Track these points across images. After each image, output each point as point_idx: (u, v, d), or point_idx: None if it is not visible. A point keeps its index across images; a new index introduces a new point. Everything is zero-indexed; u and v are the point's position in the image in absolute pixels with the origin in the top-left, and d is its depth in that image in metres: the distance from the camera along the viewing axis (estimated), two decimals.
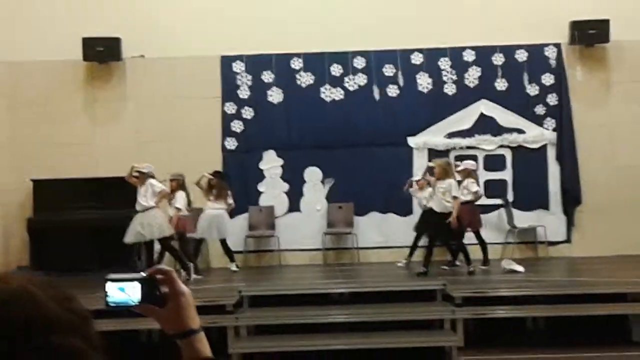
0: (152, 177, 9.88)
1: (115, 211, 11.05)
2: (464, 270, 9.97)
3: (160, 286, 1.45)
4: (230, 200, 10.95)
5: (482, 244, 10.55)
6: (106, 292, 1.45)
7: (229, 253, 11.10)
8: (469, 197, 10.21)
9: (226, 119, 12.28)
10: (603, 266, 10.70)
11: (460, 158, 12.20)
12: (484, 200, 12.09)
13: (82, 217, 11.28)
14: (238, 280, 9.93)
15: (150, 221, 9.67)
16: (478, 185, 10.52)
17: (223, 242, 11.05)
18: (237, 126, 12.25)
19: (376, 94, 12.24)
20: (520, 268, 9.87)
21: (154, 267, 1.48)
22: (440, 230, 9.82)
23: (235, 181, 11.74)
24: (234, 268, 11.01)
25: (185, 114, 12.02)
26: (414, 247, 11.07)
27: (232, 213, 11.17)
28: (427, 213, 10.42)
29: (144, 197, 9.75)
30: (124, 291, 1.45)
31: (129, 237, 9.83)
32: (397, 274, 10.22)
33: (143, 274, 1.46)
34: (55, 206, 11.45)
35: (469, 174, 10.41)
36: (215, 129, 12.22)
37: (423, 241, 10.88)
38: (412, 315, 8.69)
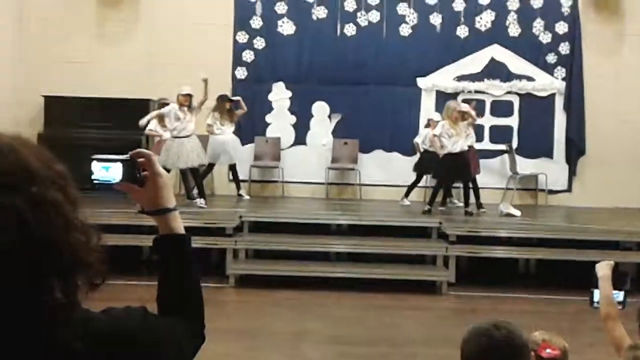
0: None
1: (124, 131, 11.23)
2: (460, 210, 10.15)
3: (140, 167, 1.57)
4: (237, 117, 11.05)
5: (477, 190, 10.73)
6: (92, 170, 1.59)
7: (238, 180, 11.28)
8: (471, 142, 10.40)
9: (237, 47, 12.32)
10: (600, 216, 10.84)
11: (468, 102, 12.29)
12: (489, 145, 12.27)
13: (91, 136, 11.44)
14: (240, 207, 10.12)
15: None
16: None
17: (233, 168, 11.22)
18: (247, 56, 12.30)
19: (387, 32, 12.24)
20: (517, 212, 10.03)
21: (136, 150, 1.59)
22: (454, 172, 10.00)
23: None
24: (246, 195, 11.22)
25: (197, 40, 12.02)
26: (412, 187, 11.20)
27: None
28: (427, 154, 10.58)
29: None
30: (107, 170, 1.58)
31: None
32: (396, 211, 10.40)
33: (125, 156, 1.58)
34: (65, 123, 11.61)
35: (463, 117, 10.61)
36: (226, 57, 12.26)
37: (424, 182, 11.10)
38: (407, 250, 8.92)
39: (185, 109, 9.80)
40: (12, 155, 1.19)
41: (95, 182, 1.60)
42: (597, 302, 2.97)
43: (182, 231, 1.60)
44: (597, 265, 3.05)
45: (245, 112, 11.07)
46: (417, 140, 11.40)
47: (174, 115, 9.80)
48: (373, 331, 6.62)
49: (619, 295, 2.96)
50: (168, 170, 9.73)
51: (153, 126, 10.46)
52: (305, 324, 6.78)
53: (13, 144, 1.21)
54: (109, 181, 1.58)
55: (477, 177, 11.01)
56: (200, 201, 9.81)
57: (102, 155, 1.61)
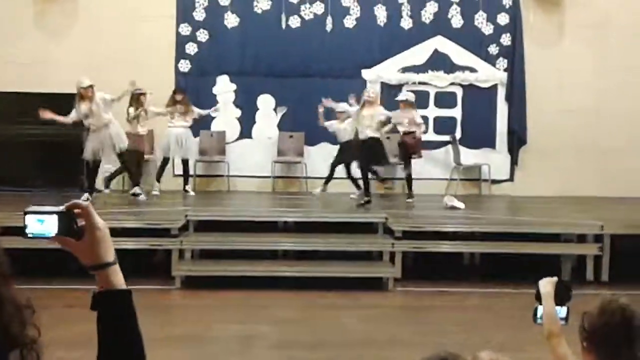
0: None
1: (62, 128, 10.97)
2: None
3: (77, 219, 1.52)
4: (196, 114, 11.03)
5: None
6: (25, 224, 1.51)
7: (187, 175, 11.21)
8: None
9: (180, 40, 12.15)
10: (542, 205, 11.06)
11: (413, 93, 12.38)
12: (433, 137, 12.39)
13: (30, 132, 11.18)
14: (186, 204, 10.03)
15: None
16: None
17: (186, 163, 11.14)
18: (191, 49, 12.15)
19: (331, 25, 12.22)
20: (460, 205, 10.16)
21: (72, 202, 1.54)
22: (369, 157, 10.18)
23: None
24: (192, 192, 11.15)
25: (139, 32, 11.83)
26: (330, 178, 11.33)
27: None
28: (347, 144, 10.77)
29: None
30: (42, 223, 1.51)
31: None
32: (343, 206, 10.43)
33: (61, 208, 1.52)
34: (2, 119, 11.32)
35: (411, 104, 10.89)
36: (169, 50, 12.09)
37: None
38: (353, 247, 8.96)
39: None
40: None
41: (29, 235, 1.54)
42: (540, 318, 3.01)
43: (123, 285, 1.56)
44: (540, 282, 3.08)
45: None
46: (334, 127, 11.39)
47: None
48: (320, 333, 6.64)
49: (562, 311, 3.00)
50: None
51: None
52: (252, 327, 6.77)
53: None
54: (44, 235, 1.52)
55: (421, 166, 11.36)
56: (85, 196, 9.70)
57: (35, 207, 1.55)
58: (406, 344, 6.43)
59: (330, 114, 11.22)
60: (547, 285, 3.03)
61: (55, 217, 1.51)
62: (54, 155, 11.30)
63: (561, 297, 3.01)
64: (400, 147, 11.18)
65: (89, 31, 11.88)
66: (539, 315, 3.00)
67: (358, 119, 10.16)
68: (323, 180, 11.34)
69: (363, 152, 10.13)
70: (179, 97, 10.95)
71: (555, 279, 3.08)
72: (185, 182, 11.25)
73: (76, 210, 1.53)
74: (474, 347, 6.38)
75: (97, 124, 9.69)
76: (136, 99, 10.56)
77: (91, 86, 9.69)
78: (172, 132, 10.81)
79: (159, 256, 9.10)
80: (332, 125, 11.24)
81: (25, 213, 1.52)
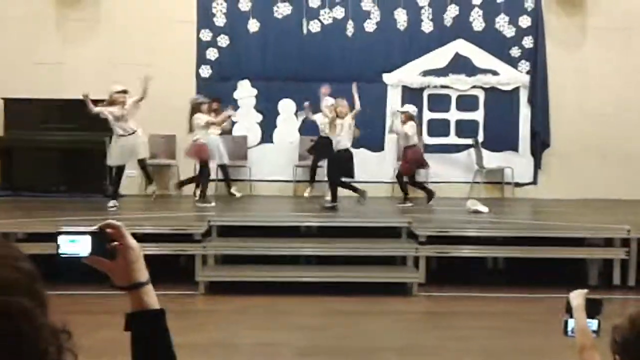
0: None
1: (88, 133, 11.07)
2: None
3: (110, 240, 1.52)
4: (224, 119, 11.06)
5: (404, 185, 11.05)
6: (58, 244, 1.51)
7: (229, 178, 11.43)
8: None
9: (201, 45, 12.18)
10: (566, 209, 10.97)
11: (433, 97, 12.34)
12: (455, 140, 12.33)
13: (53, 138, 11.26)
14: (209, 209, 10.04)
15: None
16: (414, 129, 10.75)
17: (224, 168, 11.28)
18: (212, 54, 12.18)
19: (352, 29, 12.20)
20: (484, 209, 10.08)
21: (105, 222, 1.54)
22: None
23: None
24: (238, 194, 11.30)
25: (160, 38, 11.88)
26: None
27: None
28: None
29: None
30: (75, 244, 1.51)
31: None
32: (365, 209, 10.39)
33: (94, 228, 1.52)
34: (26, 126, 11.41)
35: (410, 117, 10.72)
36: (190, 55, 12.13)
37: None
38: (377, 251, 8.91)
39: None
40: None
41: (62, 256, 1.53)
42: (572, 331, 2.96)
43: (157, 305, 1.55)
44: (571, 295, 3.04)
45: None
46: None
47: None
48: (344, 340, 6.60)
49: (593, 324, 2.95)
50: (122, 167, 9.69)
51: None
52: (276, 334, 6.74)
53: None
54: (78, 255, 1.52)
55: (443, 169, 11.29)
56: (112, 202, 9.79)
57: (68, 228, 1.55)
58: (431, 350, 6.38)
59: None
60: (577, 297, 2.98)
61: (88, 238, 1.51)
62: (77, 161, 11.37)
63: (592, 309, 2.97)
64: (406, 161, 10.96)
65: (111, 37, 11.94)
66: (569, 328, 2.96)
67: (331, 130, 10.18)
68: (345, 186, 11.33)
69: (334, 163, 10.18)
70: (216, 106, 10.96)
71: (585, 291, 3.04)
72: (230, 186, 11.40)
73: (109, 230, 1.52)
74: (502, 353, 6.35)
75: (126, 129, 9.72)
76: (199, 109, 10.43)
77: (124, 91, 9.75)
78: (213, 139, 10.77)
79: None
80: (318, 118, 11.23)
81: (58, 234, 1.52)
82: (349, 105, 10.18)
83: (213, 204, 10.24)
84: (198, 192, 10.52)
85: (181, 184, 11.09)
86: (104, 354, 4.71)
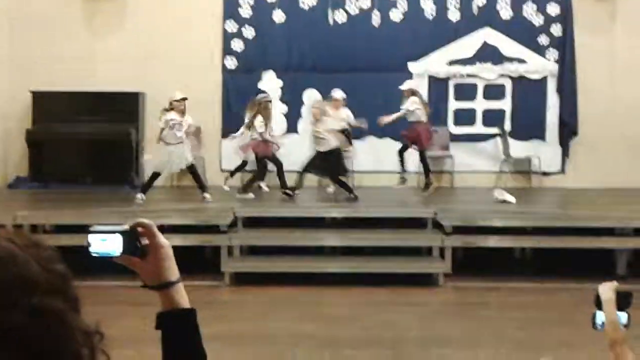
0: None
1: (115, 124, 11.14)
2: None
3: (141, 238, 1.51)
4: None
5: (425, 165, 10.91)
6: (89, 242, 1.50)
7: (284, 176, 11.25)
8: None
9: (227, 37, 12.20)
10: (594, 198, 10.84)
11: (459, 86, 12.25)
12: (481, 129, 12.23)
13: (81, 130, 11.37)
14: (234, 201, 10.06)
15: None
16: (419, 104, 10.68)
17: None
18: (237, 45, 12.19)
19: (377, 18, 12.13)
20: (511, 198, 9.98)
21: (136, 221, 1.53)
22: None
23: (235, 101, 11.82)
24: (266, 188, 11.21)
25: (186, 30, 11.92)
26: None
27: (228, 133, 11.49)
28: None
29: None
30: (105, 242, 1.50)
31: None
32: (390, 200, 10.35)
33: (125, 227, 1.51)
34: (54, 118, 11.54)
35: (413, 93, 10.66)
36: (215, 47, 12.16)
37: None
38: (403, 242, 8.89)
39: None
40: (11, 265, 1.10)
41: (94, 254, 1.52)
42: (601, 325, 2.92)
43: (187, 305, 1.55)
44: (600, 288, 2.99)
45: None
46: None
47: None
48: (370, 330, 6.60)
49: (623, 317, 2.91)
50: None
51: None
52: (302, 325, 6.75)
53: (11, 250, 1.12)
54: (108, 254, 1.51)
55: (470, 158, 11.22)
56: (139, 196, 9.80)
57: (99, 226, 1.54)
58: (460, 341, 6.35)
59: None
60: (607, 291, 2.94)
61: (119, 237, 1.50)
62: (105, 153, 11.48)
63: (622, 302, 2.92)
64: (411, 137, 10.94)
65: (137, 29, 11.99)
66: (598, 321, 2.92)
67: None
68: (369, 174, 11.32)
69: (330, 164, 10.09)
70: (270, 106, 10.90)
71: (615, 284, 3.00)
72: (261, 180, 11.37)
73: (140, 229, 1.52)
74: (532, 344, 6.27)
75: (177, 137, 9.71)
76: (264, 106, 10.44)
77: (184, 99, 9.74)
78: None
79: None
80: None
81: (90, 232, 1.51)
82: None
83: (252, 195, 10.23)
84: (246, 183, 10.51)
85: (245, 188, 10.68)
86: (135, 343, 4.75)
